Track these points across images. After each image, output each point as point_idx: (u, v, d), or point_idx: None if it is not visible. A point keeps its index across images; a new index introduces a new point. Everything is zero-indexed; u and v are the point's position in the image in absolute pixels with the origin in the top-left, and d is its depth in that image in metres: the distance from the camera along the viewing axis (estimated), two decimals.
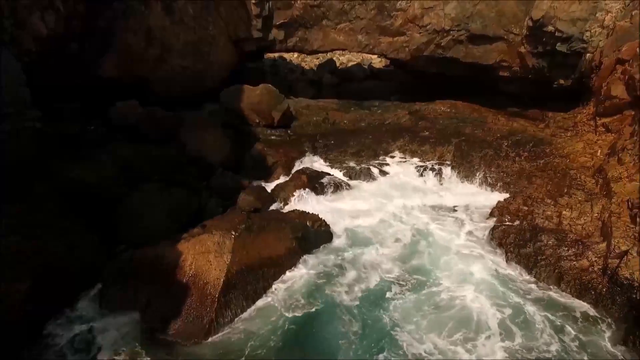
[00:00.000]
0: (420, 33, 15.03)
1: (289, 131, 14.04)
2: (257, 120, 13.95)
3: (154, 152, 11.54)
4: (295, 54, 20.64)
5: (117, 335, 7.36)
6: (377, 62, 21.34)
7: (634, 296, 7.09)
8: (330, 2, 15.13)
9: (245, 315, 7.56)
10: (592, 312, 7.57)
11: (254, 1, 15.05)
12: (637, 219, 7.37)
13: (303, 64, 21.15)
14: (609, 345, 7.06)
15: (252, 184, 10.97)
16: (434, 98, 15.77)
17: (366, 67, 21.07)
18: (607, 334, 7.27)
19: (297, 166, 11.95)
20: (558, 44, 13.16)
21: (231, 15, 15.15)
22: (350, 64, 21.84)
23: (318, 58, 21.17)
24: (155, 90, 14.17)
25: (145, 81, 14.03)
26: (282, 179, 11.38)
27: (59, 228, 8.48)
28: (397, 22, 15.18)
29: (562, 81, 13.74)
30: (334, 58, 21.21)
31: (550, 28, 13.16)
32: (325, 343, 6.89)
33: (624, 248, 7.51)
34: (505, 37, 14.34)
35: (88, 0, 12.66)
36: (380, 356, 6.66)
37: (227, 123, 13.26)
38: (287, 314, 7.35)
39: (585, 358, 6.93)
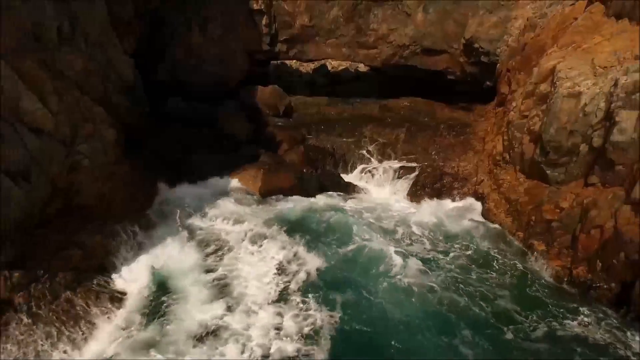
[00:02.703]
0: (387, 47, 22.61)
1: (290, 119, 21.55)
2: (267, 111, 21.49)
3: (197, 132, 18.90)
4: (295, 61, 28.10)
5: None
6: (363, 67, 28.80)
7: (483, 200, 14.54)
8: (321, 24, 22.70)
9: None
10: (465, 210, 14.95)
11: (264, 23, 22.60)
12: (489, 162, 14.87)
13: (301, 69, 28.69)
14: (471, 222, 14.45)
15: (266, 153, 18.41)
16: (402, 96, 23.24)
17: (353, 70, 28.58)
18: (474, 217, 14.60)
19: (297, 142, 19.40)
20: (482, 56, 20.72)
21: (247, 34, 22.70)
22: (340, 68, 29.33)
23: (314, 63, 28.61)
24: (193, 89, 21.66)
25: (185, 83, 21.54)
26: (287, 150, 18.79)
27: (154, 170, 15.79)
28: (371, 39, 22.74)
29: (488, 83, 21.26)
30: (327, 63, 28.69)
31: (476, 45, 20.75)
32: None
33: (482, 178, 15.02)
34: (449, 50, 21.91)
35: (149, 27, 20.23)
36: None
37: (246, 113, 20.73)
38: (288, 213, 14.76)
39: (463, 226, 14.14)
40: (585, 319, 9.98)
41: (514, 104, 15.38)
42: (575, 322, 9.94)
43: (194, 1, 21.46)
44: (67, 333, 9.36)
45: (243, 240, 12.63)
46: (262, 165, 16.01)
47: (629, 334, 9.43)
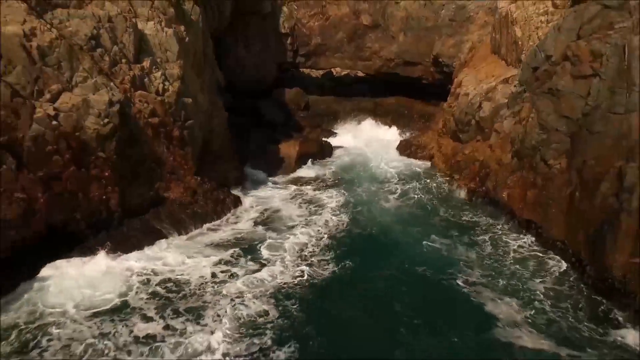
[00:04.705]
0: (379, 60, 36.32)
1: (308, 112, 34.99)
2: (293, 106, 35.03)
3: (247, 118, 32.25)
4: (307, 69, 41.48)
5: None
6: (360, 73, 42.19)
7: (432, 158, 27.85)
8: (330, 43, 36.24)
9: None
10: (426, 164, 28.40)
11: (289, 42, 36.08)
12: (437, 135, 28.21)
13: (312, 74, 42.15)
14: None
15: (296, 132, 31.71)
16: (389, 95, 36.69)
17: (353, 76, 42.05)
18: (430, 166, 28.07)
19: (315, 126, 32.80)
20: (444, 67, 34.38)
21: (277, 49, 36.27)
22: (342, 74, 42.79)
23: (323, 70, 42.01)
24: (238, 89, 34.98)
25: (234, 84, 34.87)
26: (309, 132, 32.15)
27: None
28: (367, 54, 36.39)
29: (449, 86, 34.69)
30: (332, 70, 42.13)
31: (441, 59, 34.39)
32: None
33: (432, 145, 28.43)
34: (423, 63, 35.60)
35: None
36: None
37: (279, 106, 34.07)
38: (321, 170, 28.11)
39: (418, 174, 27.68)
40: (472, 211, 23.38)
41: None
42: (465, 212, 23.39)
43: (241, 27, 34.90)
44: (218, 209, 22.53)
45: (311, 185, 25.99)
46: (296, 139, 29.40)
47: (486, 212, 22.91)
